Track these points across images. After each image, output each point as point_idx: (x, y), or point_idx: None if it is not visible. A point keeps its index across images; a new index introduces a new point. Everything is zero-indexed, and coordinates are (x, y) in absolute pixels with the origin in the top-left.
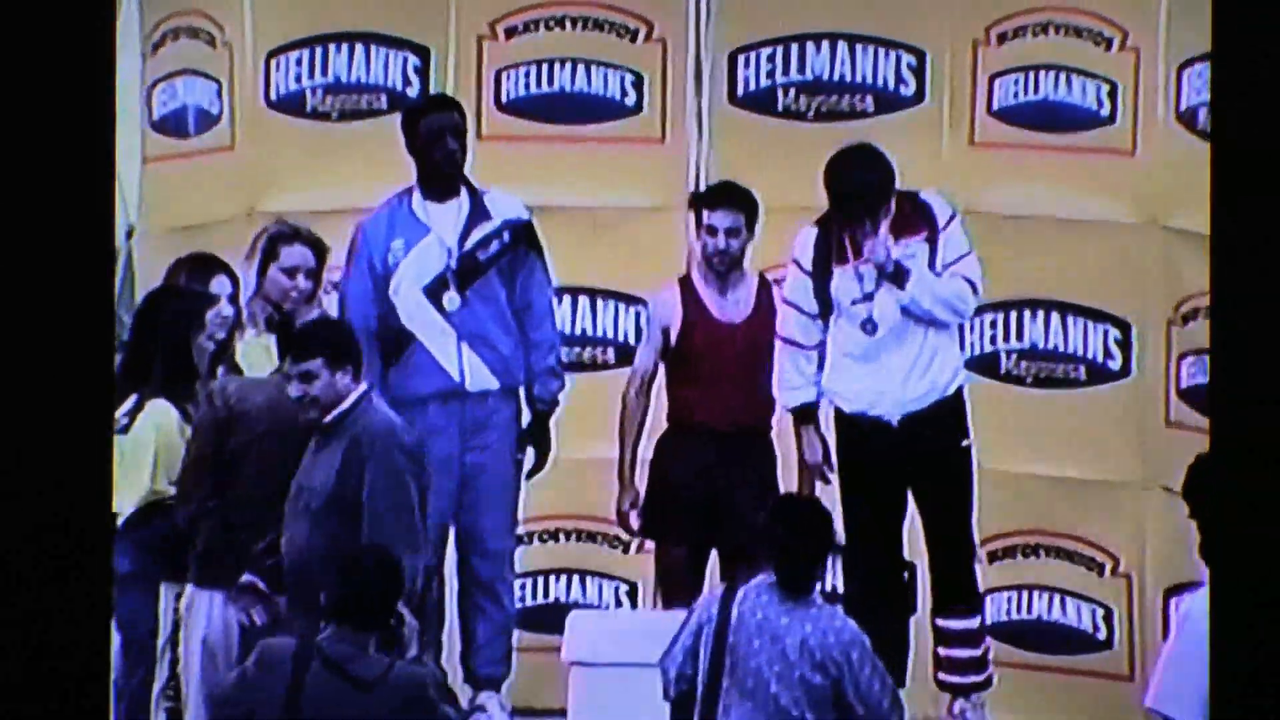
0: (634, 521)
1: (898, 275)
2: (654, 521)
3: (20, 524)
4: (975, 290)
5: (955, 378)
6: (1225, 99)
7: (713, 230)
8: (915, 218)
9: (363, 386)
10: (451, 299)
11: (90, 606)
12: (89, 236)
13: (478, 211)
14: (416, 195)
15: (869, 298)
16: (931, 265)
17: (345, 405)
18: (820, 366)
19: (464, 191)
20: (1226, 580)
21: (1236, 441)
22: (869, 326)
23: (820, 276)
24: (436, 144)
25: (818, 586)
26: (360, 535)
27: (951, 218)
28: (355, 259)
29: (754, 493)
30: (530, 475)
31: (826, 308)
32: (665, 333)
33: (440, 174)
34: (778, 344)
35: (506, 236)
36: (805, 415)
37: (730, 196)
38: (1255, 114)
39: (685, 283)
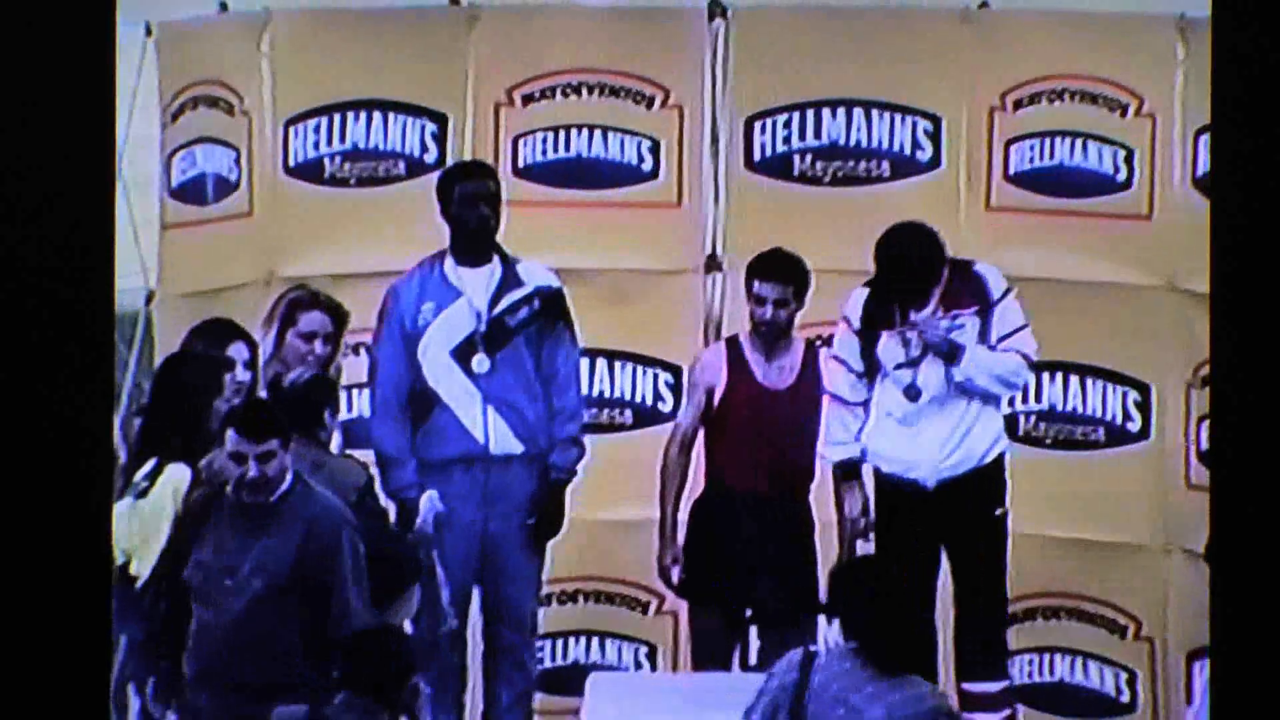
0: (675, 576)
1: (951, 353)
2: (689, 584)
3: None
4: (1030, 364)
5: (994, 447)
6: (1226, 163)
7: (761, 300)
8: (967, 290)
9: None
10: (481, 361)
11: (90, 629)
12: (90, 298)
13: (509, 278)
14: (449, 260)
15: (914, 363)
16: (986, 338)
17: (286, 485)
18: (864, 424)
19: (496, 259)
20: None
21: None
22: (912, 392)
23: (868, 338)
24: (470, 209)
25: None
26: (326, 617)
27: (1006, 291)
28: (387, 321)
29: (791, 558)
30: (538, 543)
31: (872, 368)
32: (709, 393)
33: (473, 239)
34: (825, 399)
35: (536, 303)
36: (848, 471)
37: (780, 267)
38: (1257, 178)
39: (732, 344)
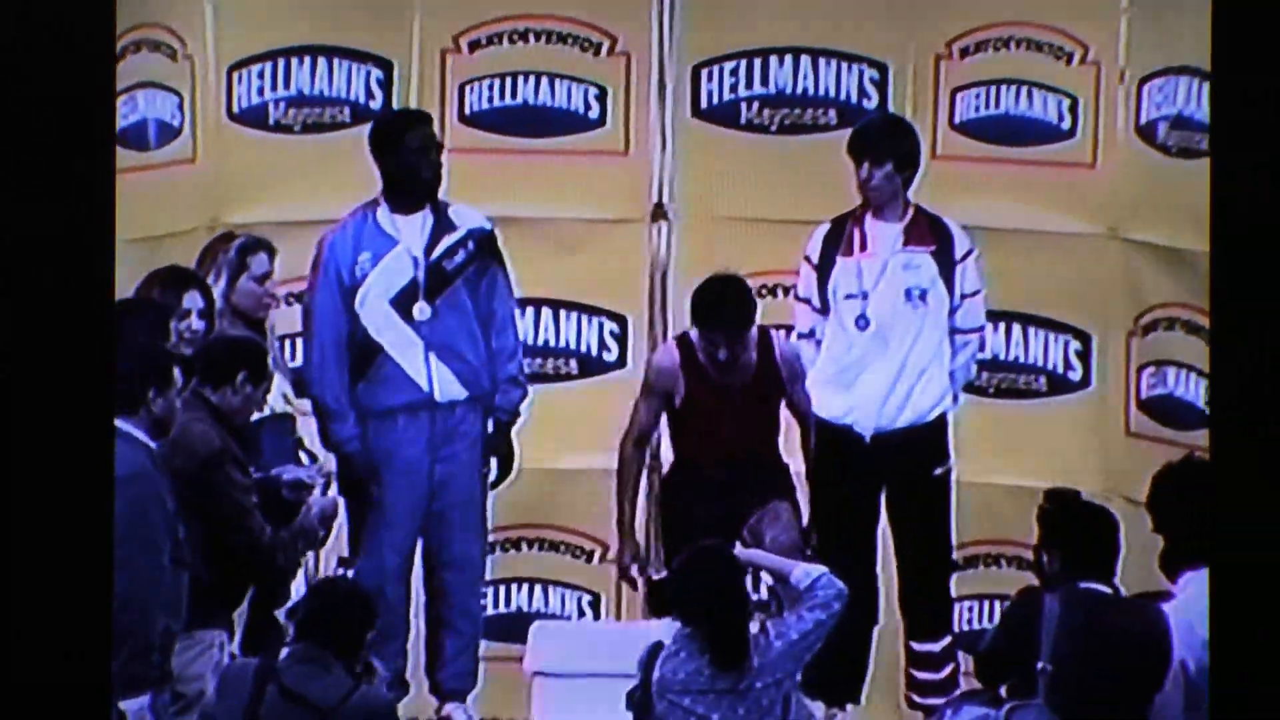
0: (635, 573)
1: None
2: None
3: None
4: (981, 331)
5: (938, 404)
6: (1223, 116)
7: (713, 344)
8: (931, 233)
9: None
10: (422, 309)
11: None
12: (89, 244)
13: (443, 223)
14: (382, 208)
15: (865, 295)
16: (950, 294)
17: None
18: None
19: (427, 205)
20: (1225, 583)
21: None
22: (861, 322)
23: (824, 269)
24: (423, 158)
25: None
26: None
27: (969, 252)
28: (323, 271)
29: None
30: (494, 485)
31: (827, 303)
32: (667, 396)
33: (424, 188)
34: (794, 337)
35: (471, 246)
36: None
37: (727, 316)
38: (1253, 131)
39: (684, 344)
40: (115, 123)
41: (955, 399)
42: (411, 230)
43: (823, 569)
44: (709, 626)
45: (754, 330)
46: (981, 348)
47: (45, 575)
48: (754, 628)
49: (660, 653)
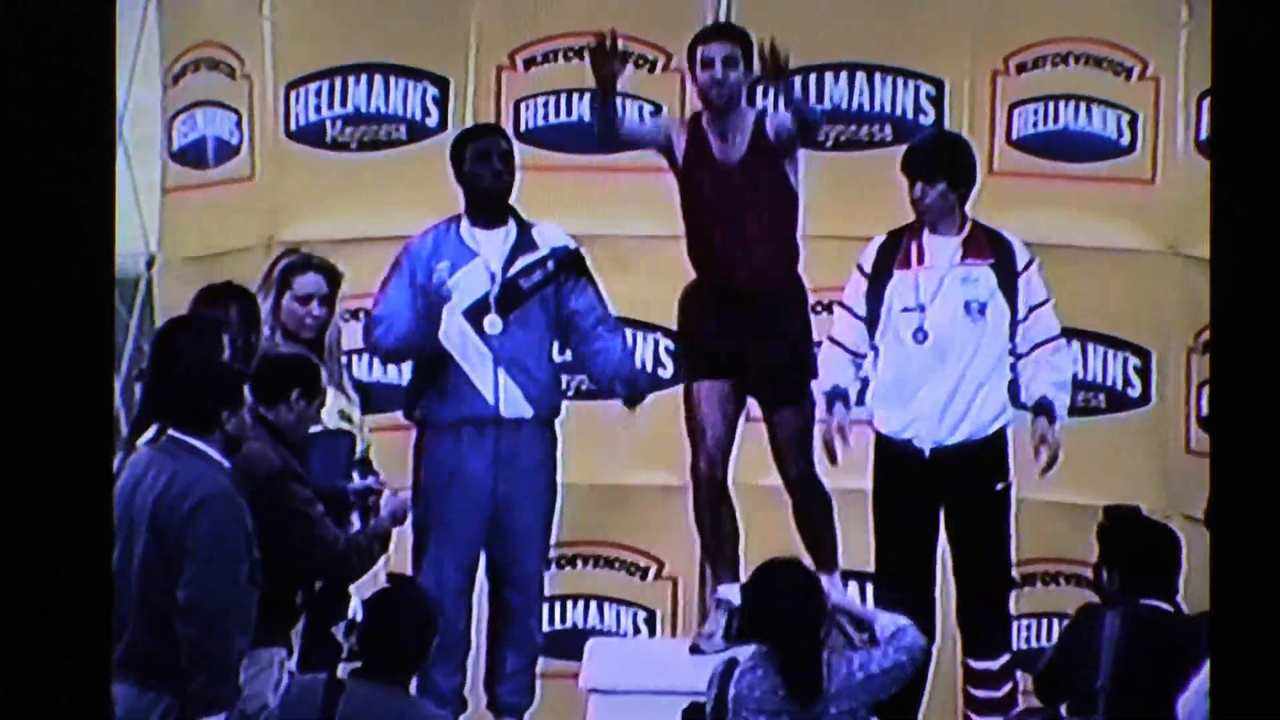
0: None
1: (1048, 412)
2: (690, 369)
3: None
4: (1069, 347)
5: (998, 418)
6: (1228, 125)
7: (708, 63)
8: (989, 245)
9: None
10: (493, 322)
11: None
12: (90, 263)
13: (524, 241)
14: (464, 222)
15: (922, 308)
16: (1013, 308)
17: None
18: (858, 375)
19: (512, 222)
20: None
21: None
22: (919, 335)
23: (877, 280)
24: (483, 165)
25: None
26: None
27: (1030, 262)
28: (399, 272)
29: (786, 331)
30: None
31: (875, 316)
32: (668, 142)
33: (487, 197)
34: (825, 345)
35: (551, 265)
36: (835, 394)
37: (726, 30)
38: (1258, 141)
39: (694, 119)
40: (115, 137)
41: (1061, 412)
42: (492, 245)
43: (908, 621)
44: (784, 646)
45: (750, 114)
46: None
47: (46, 580)
48: (830, 655)
49: (735, 669)
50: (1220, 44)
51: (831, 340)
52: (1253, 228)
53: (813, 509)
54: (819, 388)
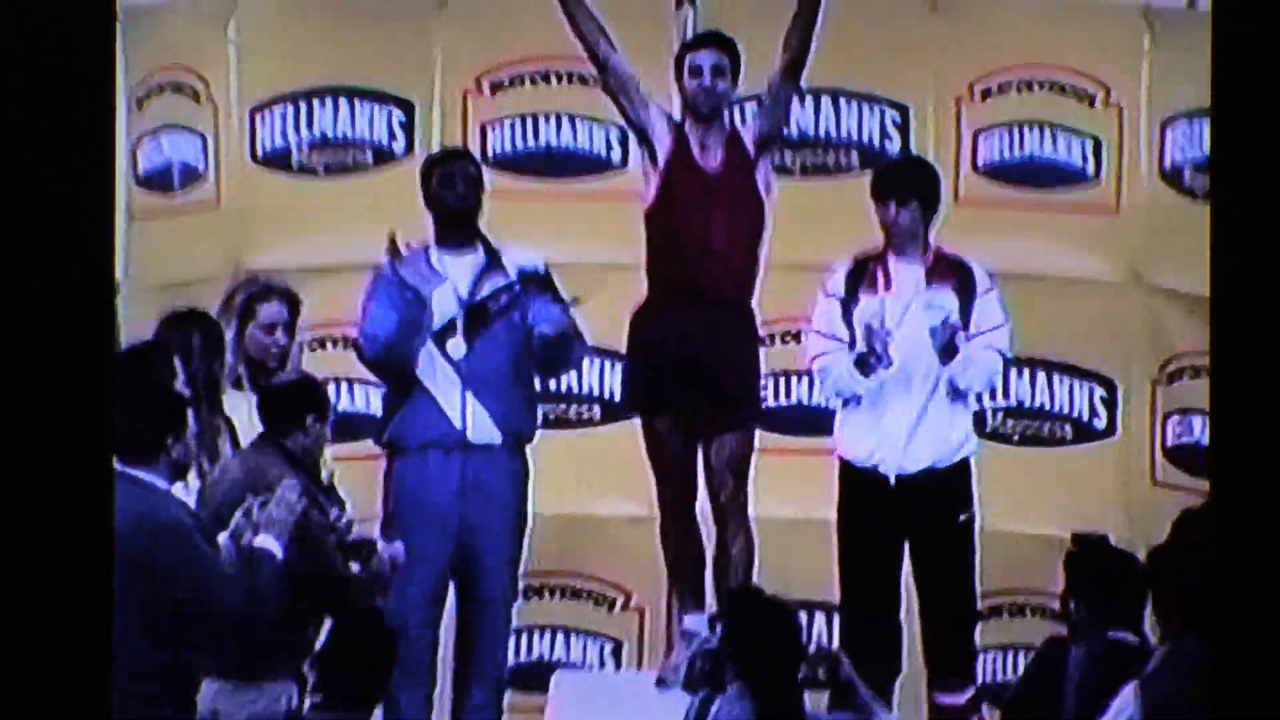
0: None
1: (949, 349)
2: (637, 392)
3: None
4: (1006, 362)
5: (961, 448)
6: (1223, 158)
7: (696, 71)
8: (951, 271)
9: None
10: (456, 346)
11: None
12: (87, 285)
13: (492, 265)
14: (433, 247)
15: (889, 334)
16: (965, 327)
17: None
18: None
19: (480, 246)
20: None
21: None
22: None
23: (848, 302)
24: (447, 188)
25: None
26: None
27: (990, 288)
28: (379, 285)
29: (734, 360)
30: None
31: (853, 341)
32: (657, 127)
33: (452, 219)
34: (814, 367)
35: (517, 289)
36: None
37: (715, 39)
38: (1252, 173)
39: (678, 125)
40: (115, 163)
41: (966, 396)
42: (460, 269)
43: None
44: (762, 680)
45: (726, 127)
46: (1005, 362)
47: (46, 580)
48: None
49: (715, 700)
50: (1219, 75)
51: (813, 358)
52: (1248, 259)
53: (729, 539)
54: (844, 364)
